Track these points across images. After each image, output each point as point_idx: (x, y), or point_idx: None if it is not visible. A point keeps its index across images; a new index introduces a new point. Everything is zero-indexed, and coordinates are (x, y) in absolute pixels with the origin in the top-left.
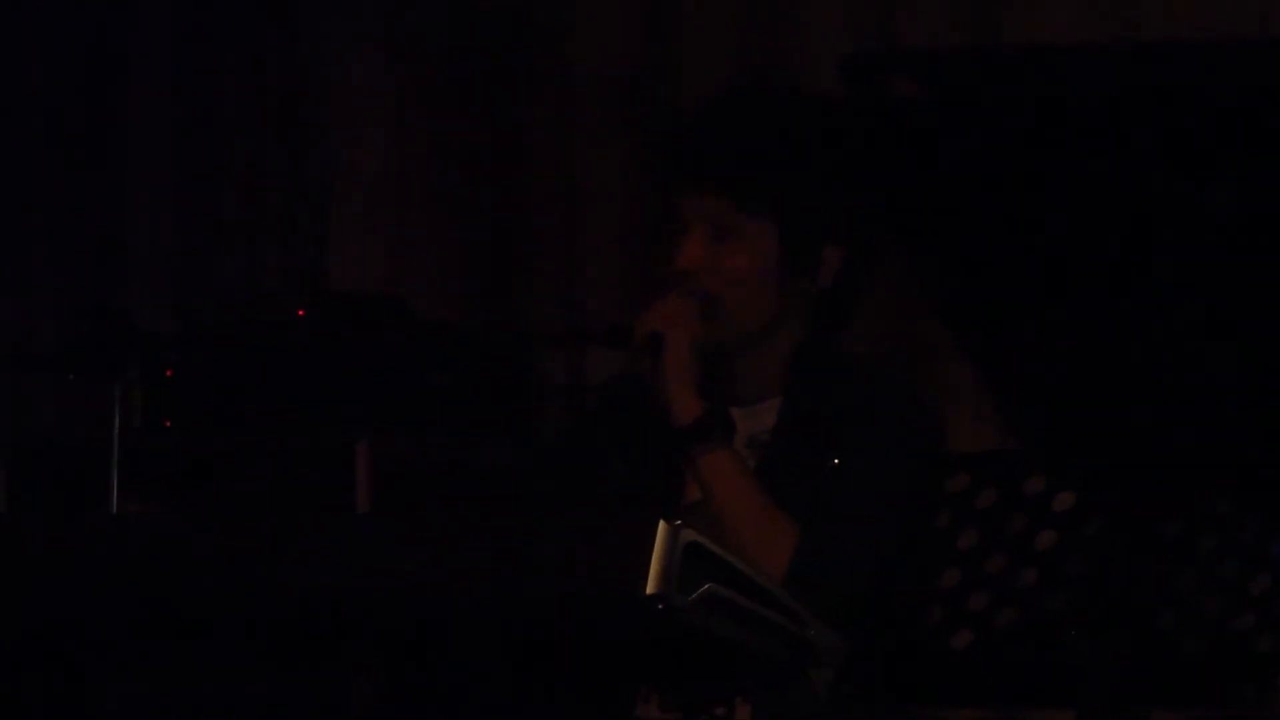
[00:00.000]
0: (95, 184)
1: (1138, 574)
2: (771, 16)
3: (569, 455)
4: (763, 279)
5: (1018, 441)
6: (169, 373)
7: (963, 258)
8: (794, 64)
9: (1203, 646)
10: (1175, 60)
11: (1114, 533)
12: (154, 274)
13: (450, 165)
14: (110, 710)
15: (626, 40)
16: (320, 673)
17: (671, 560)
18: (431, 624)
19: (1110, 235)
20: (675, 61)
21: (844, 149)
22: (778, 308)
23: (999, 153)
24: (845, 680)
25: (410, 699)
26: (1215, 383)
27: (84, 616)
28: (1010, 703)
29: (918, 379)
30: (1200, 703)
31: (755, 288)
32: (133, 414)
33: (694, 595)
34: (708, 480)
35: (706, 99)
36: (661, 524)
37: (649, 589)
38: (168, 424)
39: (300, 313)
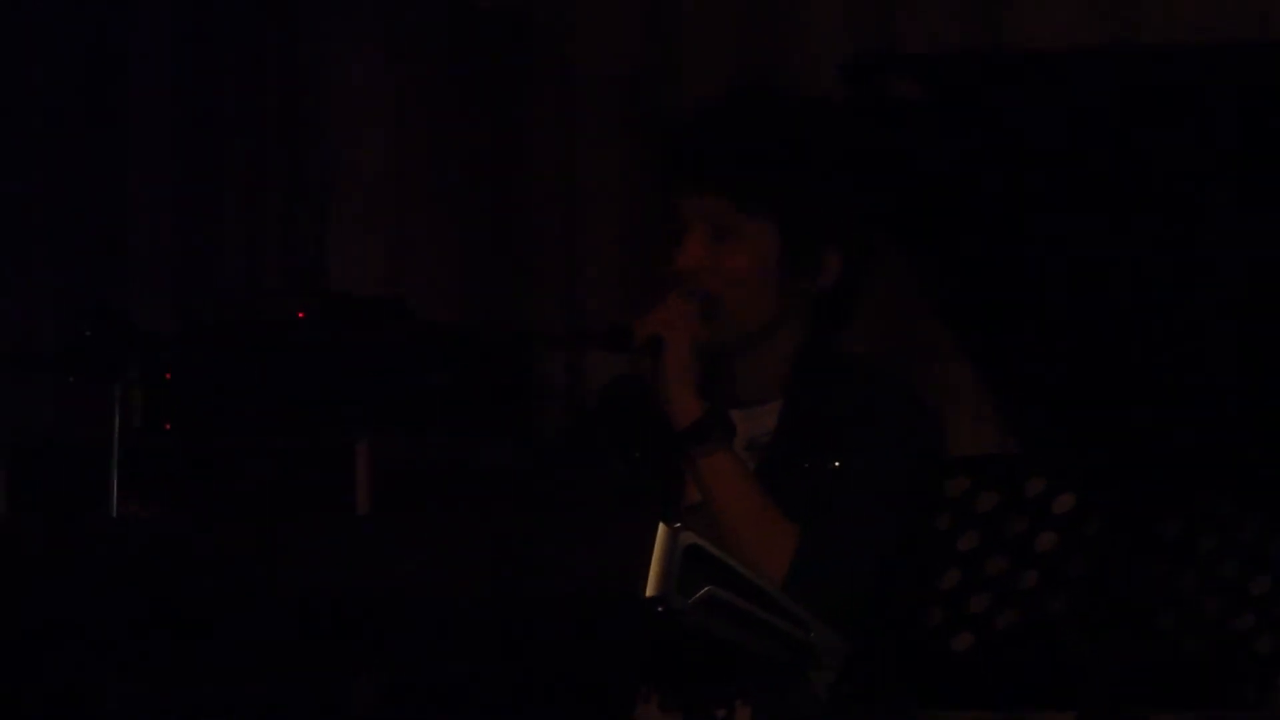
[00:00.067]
0: (95, 184)
1: (1138, 575)
2: (771, 16)
3: (569, 455)
4: (763, 279)
5: (1018, 443)
6: (168, 374)
7: (962, 258)
8: (794, 64)
9: (1203, 648)
10: (1174, 62)
11: (1114, 534)
12: (154, 274)
13: (450, 165)
14: (110, 710)
15: (626, 40)
16: (320, 673)
17: (671, 562)
18: (431, 624)
19: (1110, 236)
20: (675, 61)
21: (844, 150)
22: (778, 308)
23: (998, 154)
24: (845, 682)
25: (410, 699)
26: (1215, 383)
27: (84, 616)
28: (1011, 704)
29: (918, 379)
30: (1200, 704)
31: (755, 288)
32: (132, 415)
33: (694, 597)
34: (707, 482)
35: (707, 99)
36: (661, 526)
37: (649, 591)
38: (167, 425)
39: (300, 314)
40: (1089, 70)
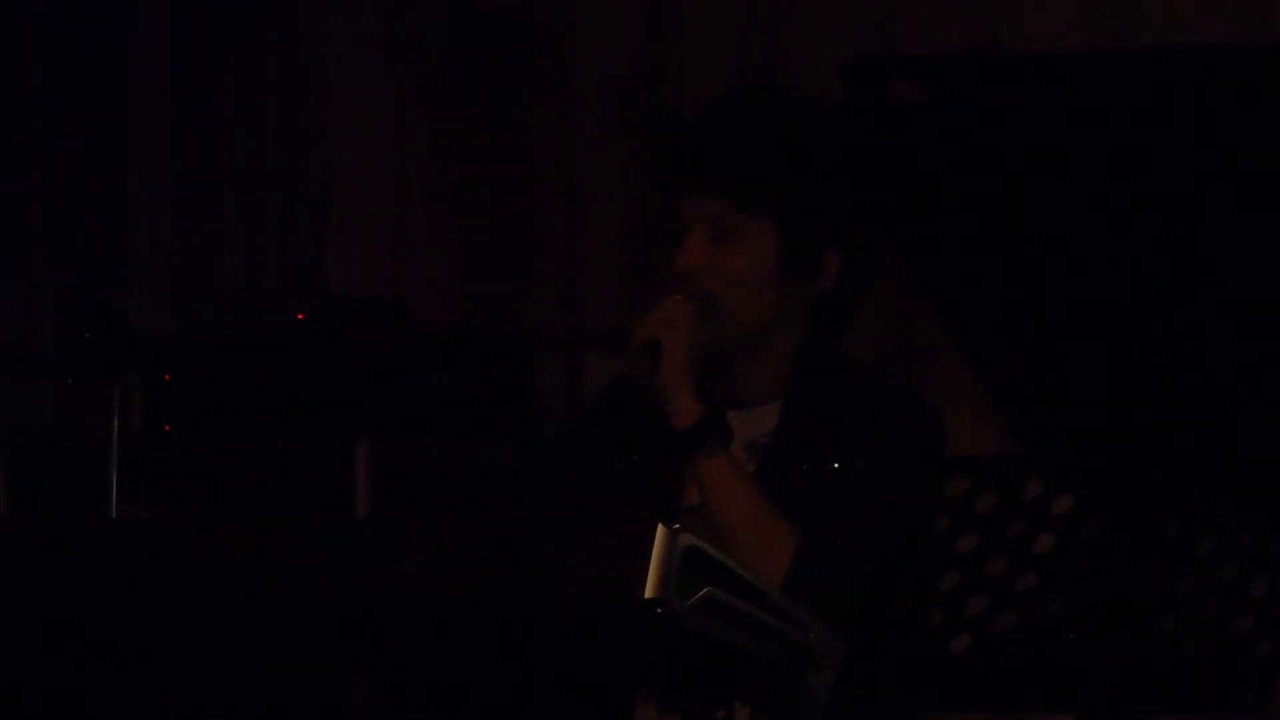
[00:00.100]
0: (95, 184)
1: (1136, 577)
2: (771, 17)
3: (568, 456)
4: (763, 280)
5: (1017, 445)
6: (168, 375)
7: (962, 258)
8: (794, 64)
9: (1202, 649)
10: (1174, 63)
11: (1113, 536)
12: (154, 274)
13: (450, 165)
14: (110, 710)
15: (626, 40)
16: (320, 673)
17: (670, 564)
18: (431, 624)
19: (1109, 236)
20: (675, 62)
21: (845, 150)
22: (777, 309)
23: (998, 154)
24: (845, 683)
25: (410, 699)
26: (1215, 384)
27: (84, 616)
28: (1010, 706)
29: (918, 379)
30: (1199, 705)
31: (755, 288)
32: (132, 416)
33: (693, 599)
34: (706, 484)
35: (709, 100)
36: (660, 528)
37: (648, 593)
38: (167, 427)
39: (300, 316)
40: (1089, 70)
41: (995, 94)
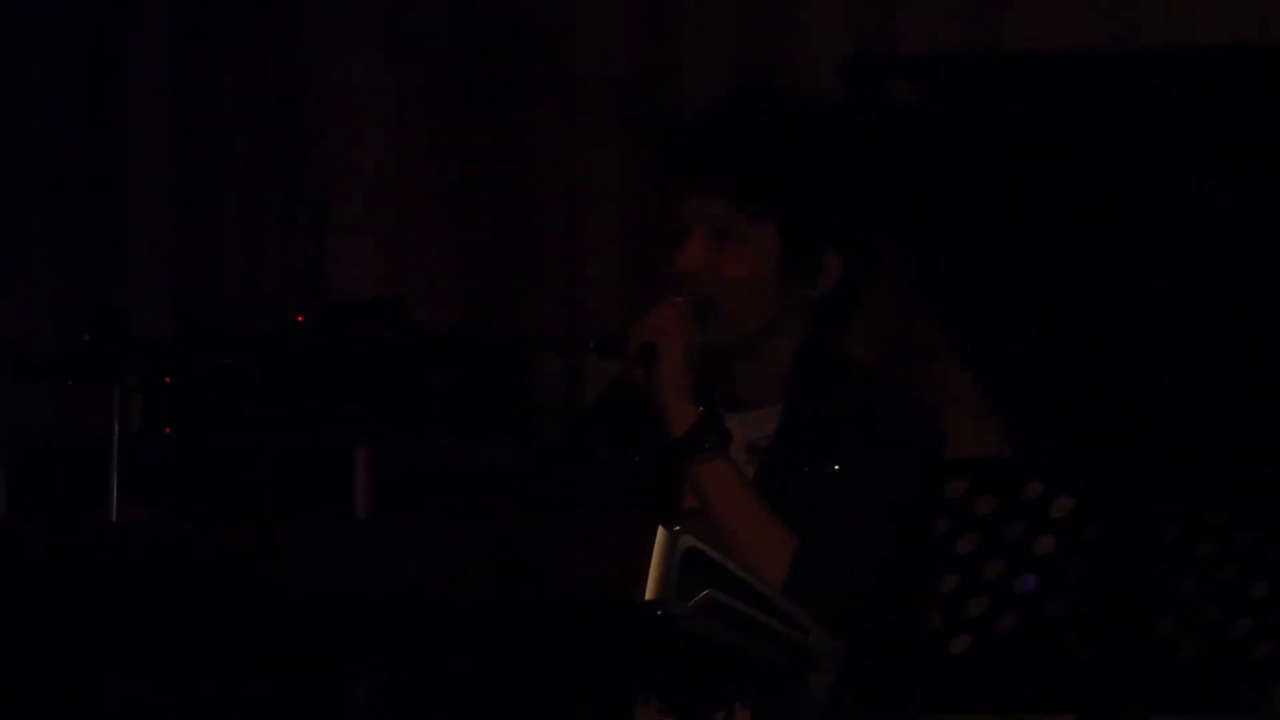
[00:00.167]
0: (95, 184)
1: (1136, 579)
2: (771, 17)
3: (568, 456)
4: (763, 281)
5: (1016, 446)
6: (168, 378)
7: (962, 260)
8: (794, 64)
9: (1201, 652)
10: (1174, 64)
11: (1112, 538)
12: (154, 274)
13: (450, 165)
14: (110, 710)
15: (626, 40)
16: (320, 673)
17: (670, 566)
18: (431, 625)
19: (1109, 237)
20: (675, 62)
21: (845, 152)
22: (777, 310)
23: (998, 155)
24: (844, 685)
25: (410, 699)
26: (1214, 385)
27: (84, 617)
28: (1009, 708)
29: (918, 380)
30: (1199, 708)
31: (755, 290)
32: (132, 418)
33: (693, 601)
34: (704, 489)
35: (709, 100)
36: (660, 530)
37: (648, 595)
38: (167, 429)
39: (299, 318)
40: (1089, 70)
41: (995, 94)
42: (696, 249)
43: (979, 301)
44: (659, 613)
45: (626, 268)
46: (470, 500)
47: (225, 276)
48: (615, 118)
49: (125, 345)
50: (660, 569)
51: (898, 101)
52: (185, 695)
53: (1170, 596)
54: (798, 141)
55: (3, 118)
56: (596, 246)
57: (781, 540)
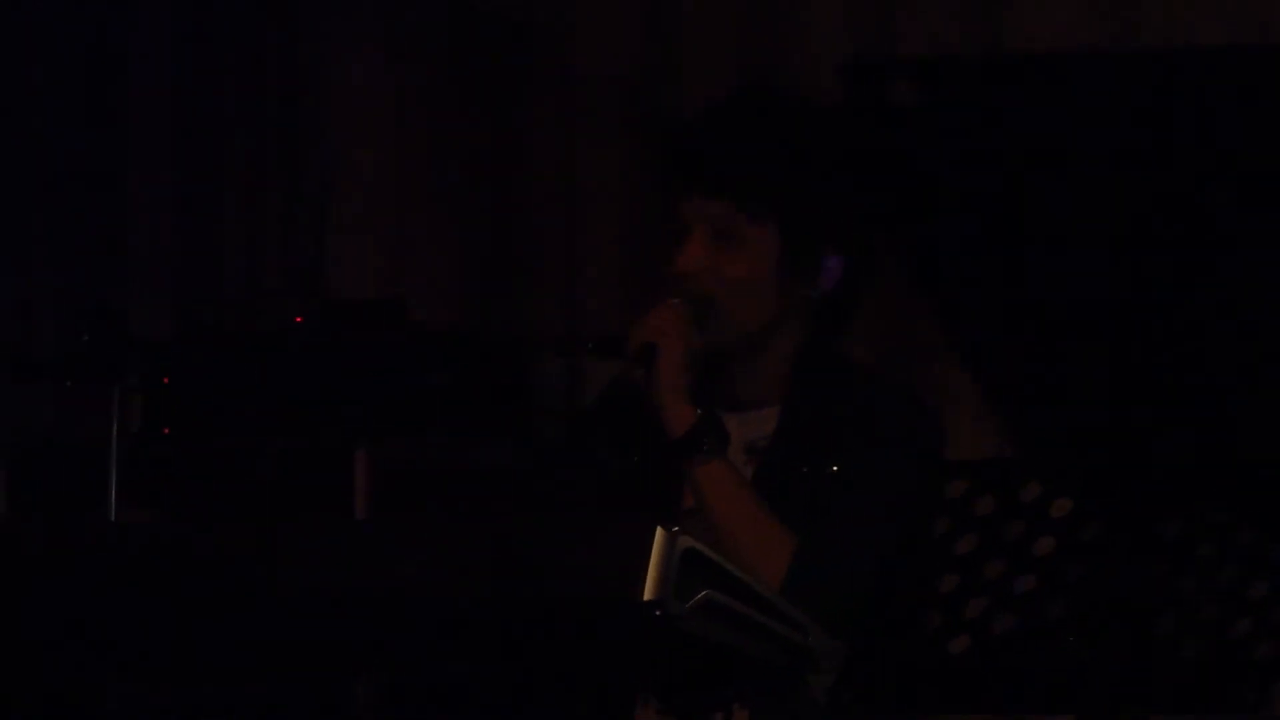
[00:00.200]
0: (95, 184)
1: (1135, 580)
2: (771, 17)
3: (568, 456)
4: (762, 282)
5: (1016, 446)
6: (167, 378)
7: (962, 260)
8: (794, 64)
9: (1201, 652)
10: (1174, 64)
11: (1111, 538)
12: (154, 274)
13: (450, 165)
14: (110, 710)
15: (626, 41)
16: (320, 673)
17: (669, 566)
18: (430, 625)
19: (1109, 237)
20: (675, 62)
21: (845, 152)
22: (777, 311)
23: (997, 156)
24: (843, 686)
25: (410, 700)
26: (1214, 386)
27: (84, 617)
28: (1009, 709)
29: (918, 381)
30: (1198, 708)
31: (755, 291)
32: (131, 418)
33: (691, 601)
34: (702, 490)
35: (709, 100)
36: (659, 530)
37: (646, 595)
38: (166, 429)
39: (298, 319)
40: (1089, 70)
41: (995, 94)
42: (696, 249)
43: (979, 301)
44: (658, 613)
45: (626, 268)
46: (470, 500)
47: (225, 276)
48: (615, 118)
49: (125, 345)
50: (659, 569)
51: (897, 102)
52: (185, 695)
53: (1170, 597)
54: (798, 142)
55: (3, 118)
56: (596, 246)
57: (780, 541)
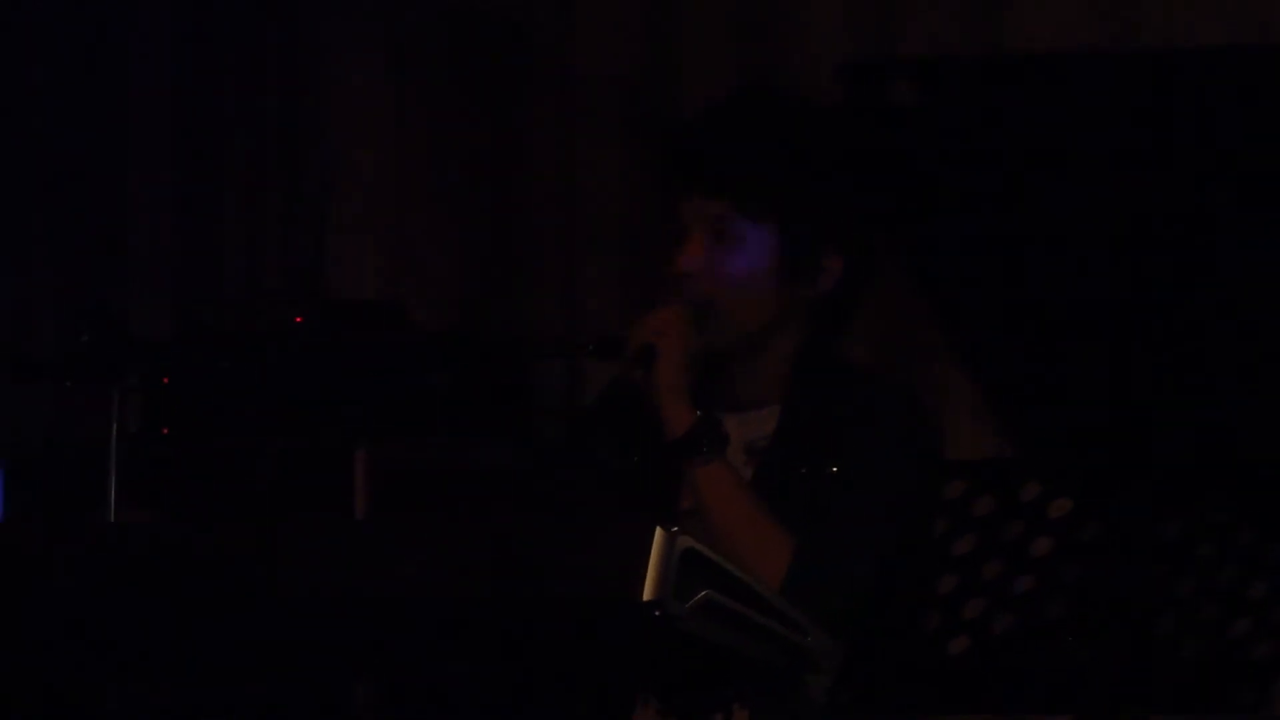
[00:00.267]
0: (95, 184)
1: (1135, 580)
2: (771, 17)
3: (568, 456)
4: (762, 282)
5: (1016, 446)
6: (166, 378)
7: (962, 260)
8: (794, 65)
9: (1200, 652)
10: (1174, 64)
11: (1110, 539)
12: (154, 274)
13: (450, 165)
14: (110, 710)
15: (626, 40)
16: (320, 673)
17: (668, 567)
18: (430, 626)
19: (1109, 237)
20: (675, 63)
21: (845, 153)
22: (775, 312)
23: (998, 155)
24: (842, 686)
25: (409, 700)
26: (1214, 385)
27: (84, 617)
28: (1008, 709)
29: (917, 381)
30: (1197, 708)
31: (754, 291)
32: (130, 419)
33: (691, 602)
34: (701, 491)
35: (709, 100)
36: (658, 530)
37: (646, 595)
38: (165, 429)
39: (298, 320)
40: (1089, 70)
41: (995, 94)
42: (696, 250)
43: (979, 301)
44: (657, 613)
45: (626, 268)
46: (470, 500)
47: (225, 276)
48: (615, 118)
49: (125, 346)
50: (658, 569)
51: (897, 102)
52: (185, 695)
53: (1170, 597)
54: (797, 142)
55: (3, 118)
56: (596, 246)
57: (779, 541)
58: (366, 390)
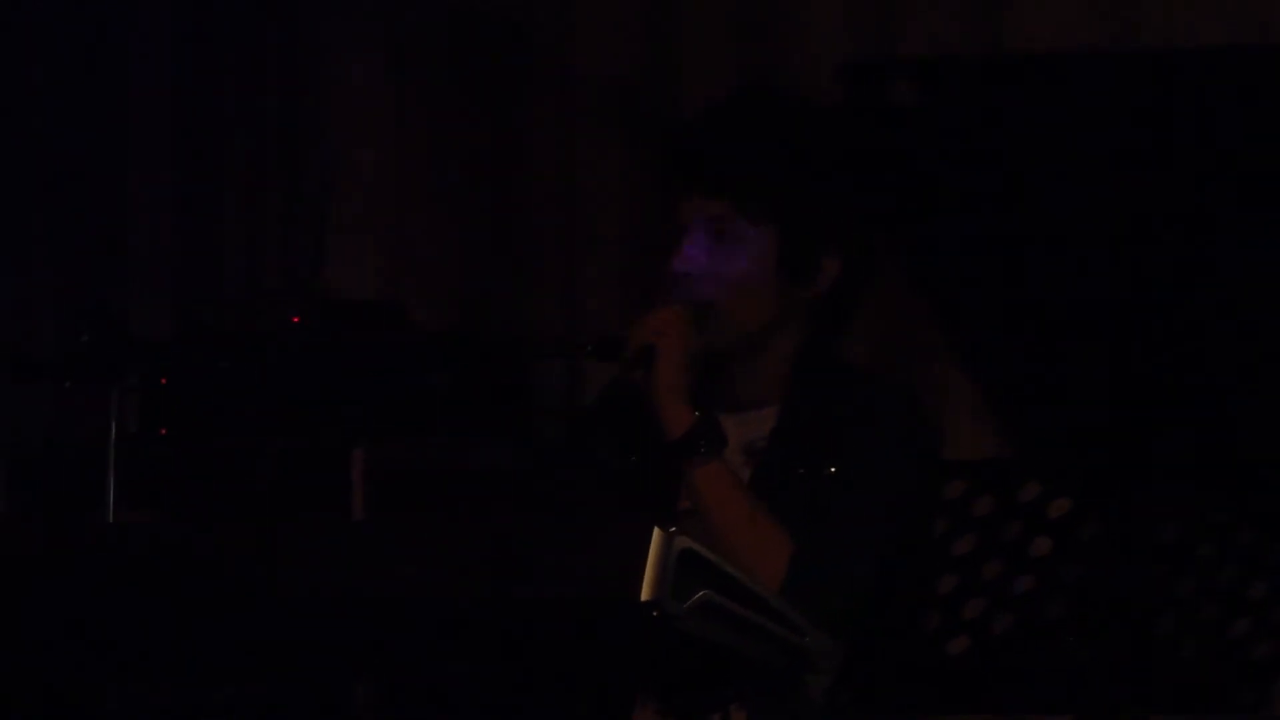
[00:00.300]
0: (95, 184)
1: (1134, 580)
2: (771, 17)
3: (567, 456)
4: (761, 283)
5: (1015, 446)
6: (164, 378)
7: (961, 260)
8: (794, 65)
9: (1200, 653)
10: (1174, 64)
11: (1110, 539)
12: (154, 274)
13: (450, 165)
14: (110, 710)
15: (626, 42)
16: (320, 673)
17: (666, 567)
18: (429, 626)
19: (1109, 237)
20: (675, 63)
21: (845, 153)
22: (774, 312)
23: (998, 155)
24: (842, 687)
25: (409, 701)
26: (1213, 385)
27: (84, 617)
28: (1007, 709)
29: (918, 380)
30: (1197, 709)
31: (753, 291)
32: (129, 419)
33: (689, 602)
34: (700, 492)
35: (709, 100)
36: (656, 530)
37: (644, 595)
38: (163, 429)
39: (295, 319)
40: (1089, 70)
41: (995, 94)
42: (695, 250)
43: (978, 301)
44: (655, 613)
45: (626, 268)
46: (469, 501)
47: (225, 276)
48: (615, 118)
49: (124, 346)
50: (656, 569)
51: (897, 102)
52: (185, 695)
53: (1169, 597)
54: (797, 142)
55: (3, 118)
56: (596, 246)
57: (778, 542)
58: (366, 390)
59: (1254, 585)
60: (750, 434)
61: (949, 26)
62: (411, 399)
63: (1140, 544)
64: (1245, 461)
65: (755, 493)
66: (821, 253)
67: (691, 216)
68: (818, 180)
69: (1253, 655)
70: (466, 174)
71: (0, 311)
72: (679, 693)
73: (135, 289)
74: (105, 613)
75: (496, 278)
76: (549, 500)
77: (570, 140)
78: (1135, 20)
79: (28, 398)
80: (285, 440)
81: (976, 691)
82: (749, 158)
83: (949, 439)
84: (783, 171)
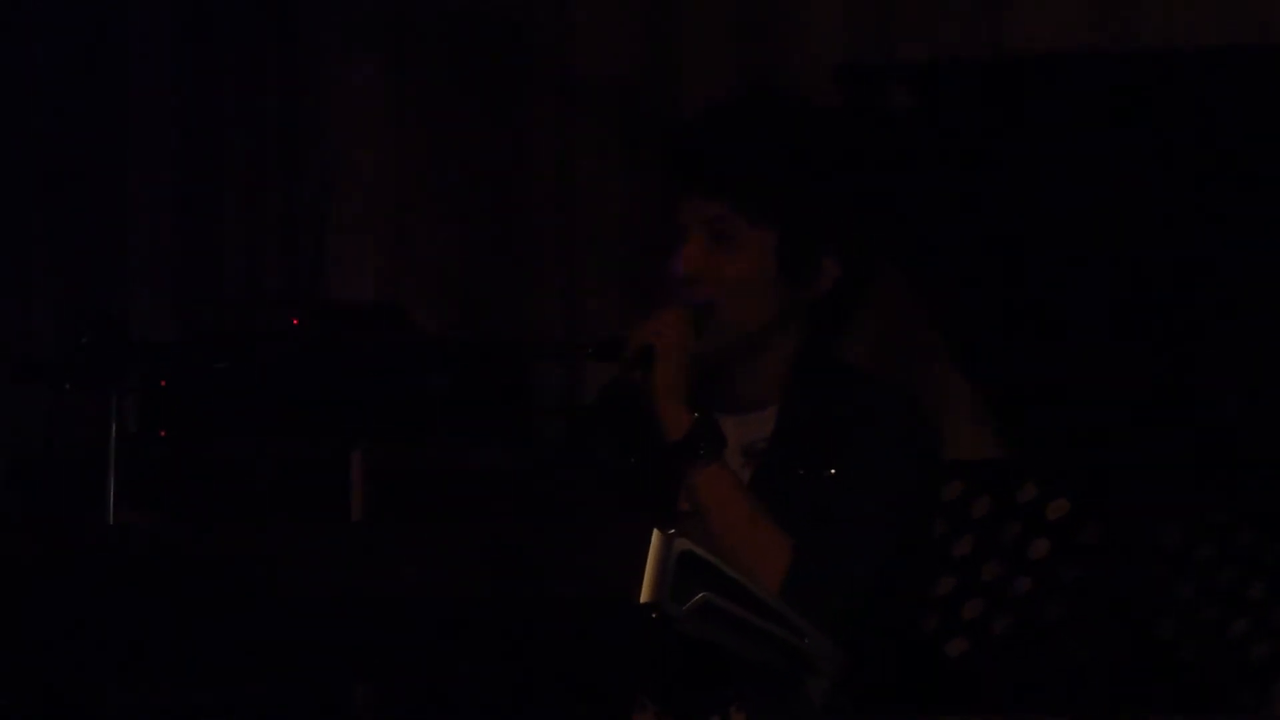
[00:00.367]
0: (95, 184)
1: (1133, 581)
2: (771, 18)
3: (567, 457)
4: (761, 284)
5: (1014, 448)
6: (164, 381)
7: (961, 262)
8: (793, 66)
9: (1199, 653)
10: (1174, 65)
11: (1108, 540)
12: (154, 274)
13: (450, 166)
14: (110, 710)
15: (626, 42)
16: (320, 674)
17: (666, 569)
18: (429, 628)
19: (1109, 237)
20: (675, 62)
21: (844, 155)
22: (774, 314)
23: (997, 158)
24: (841, 689)
25: (408, 702)
26: (1213, 387)
27: (84, 618)
28: (1007, 710)
29: (917, 382)
30: (1196, 708)
31: (753, 293)
32: (128, 421)
33: (688, 604)
34: (699, 494)
35: (708, 101)
36: (656, 532)
37: (643, 597)
38: (163, 432)
39: (295, 322)
40: (1089, 71)
41: (995, 95)
42: (694, 251)
43: (977, 303)
44: (654, 615)
45: (626, 268)
46: (469, 503)
47: (225, 277)
48: (615, 118)
49: (124, 347)
50: (655, 571)
51: (896, 104)
52: (185, 696)
53: (1169, 598)
54: (796, 144)
55: (3, 118)
56: (596, 247)
57: (778, 543)
58: (366, 392)
59: (1253, 586)
60: (750, 435)
61: (948, 27)
62: (411, 400)
63: (1139, 545)
64: (1245, 462)
65: (755, 494)
66: (821, 254)
67: (691, 217)
68: (818, 181)
69: (1252, 656)
70: (466, 174)
71: (0, 311)
72: (679, 694)
73: (135, 289)
74: (105, 613)
75: (496, 278)
76: (549, 501)
77: (570, 140)
78: (1135, 20)
79: (28, 398)
80: (285, 442)
81: (976, 692)
82: (749, 159)
83: (949, 439)
84: (783, 172)
